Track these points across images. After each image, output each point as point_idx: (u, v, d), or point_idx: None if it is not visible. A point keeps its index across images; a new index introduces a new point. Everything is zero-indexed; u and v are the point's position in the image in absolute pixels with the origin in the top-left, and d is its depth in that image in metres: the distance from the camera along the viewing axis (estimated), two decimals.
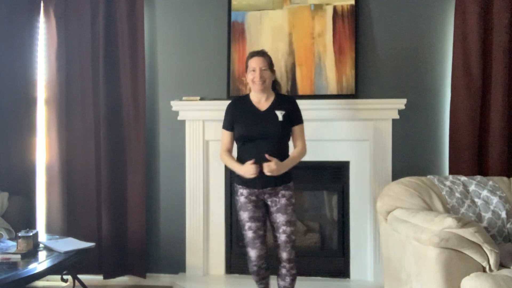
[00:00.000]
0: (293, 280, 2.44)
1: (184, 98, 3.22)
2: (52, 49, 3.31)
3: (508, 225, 2.46)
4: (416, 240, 2.16)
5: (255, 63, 2.40)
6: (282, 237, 2.38)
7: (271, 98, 2.47)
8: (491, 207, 2.49)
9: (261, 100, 2.46)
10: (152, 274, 3.32)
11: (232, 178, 3.01)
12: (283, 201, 2.39)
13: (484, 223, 2.44)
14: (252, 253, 2.40)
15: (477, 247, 2.03)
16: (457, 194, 2.54)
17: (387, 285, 2.60)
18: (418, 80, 3.11)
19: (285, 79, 3.13)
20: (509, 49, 2.95)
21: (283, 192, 2.40)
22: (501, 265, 2.08)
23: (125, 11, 3.21)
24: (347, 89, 3.08)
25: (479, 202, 2.52)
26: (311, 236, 3.30)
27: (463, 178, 2.67)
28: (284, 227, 2.38)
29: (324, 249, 3.29)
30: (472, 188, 2.59)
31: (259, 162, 2.30)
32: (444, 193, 2.55)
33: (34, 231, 2.65)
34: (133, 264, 3.26)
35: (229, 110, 2.51)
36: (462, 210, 2.48)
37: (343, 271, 3.16)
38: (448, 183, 2.61)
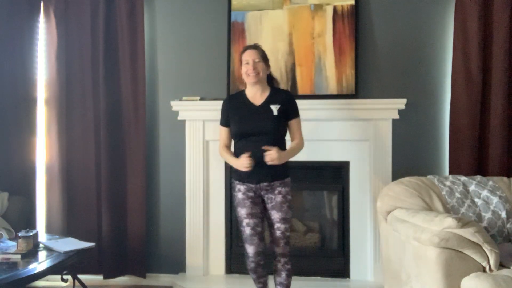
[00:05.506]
0: (288, 276, 2.43)
1: (184, 98, 3.22)
2: (52, 49, 3.31)
3: (508, 225, 2.46)
4: (416, 240, 2.16)
5: (248, 56, 2.41)
6: (276, 233, 2.39)
7: (266, 93, 2.46)
8: (491, 207, 2.49)
9: (256, 95, 2.45)
10: (152, 274, 3.32)
11: (231, 175, 3.01)
12: (279, 198, 2.39)
13: (484, 223, 2.44)
14: (250, 249, 2.39)
15: (477, 247, 2.03)
16: (457, 194, 2.54)
17: (387, 285, 2.60)
18: (418, 80, 3.11)
19: (285, 79, 3.13)
20: (509, 49, 2.95)
21: (279, 189, 2.39)
22: (501, 265, 2.08)
23: (125, 11, 3.21)
24: (347, 89, 3.08)
25: (479, 202, 2.52)
26: (311, 236, 3.30)
27: (463, 178, 2.67)
28: (278, 224, 2.38)
29: (324, 249, 3.29)
30: (472, 188, 2.59)
31: (255, 157, 2.28)
32: (444, 193, 2.55)
33: (34, 231, 2.64)
34: (133, 264, 3.26)
35: (225, 107, 2.51)
36: (462, 210, 2.48)
37: (343, 271, 3.15)
38: (448, 183, 2.61)
